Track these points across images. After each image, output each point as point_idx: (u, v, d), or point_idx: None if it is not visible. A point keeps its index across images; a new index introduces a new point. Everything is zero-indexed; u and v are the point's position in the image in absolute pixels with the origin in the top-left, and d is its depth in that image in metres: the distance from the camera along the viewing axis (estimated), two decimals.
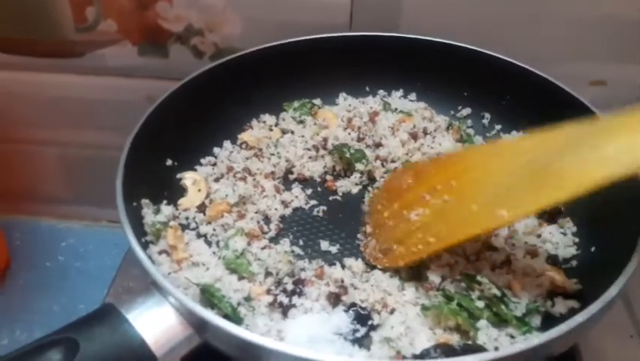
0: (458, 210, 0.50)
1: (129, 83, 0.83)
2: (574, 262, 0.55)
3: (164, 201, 0.57)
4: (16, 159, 0.93)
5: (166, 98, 0.61)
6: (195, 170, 0.64)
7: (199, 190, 0.60)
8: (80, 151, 0.91)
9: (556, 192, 0.44)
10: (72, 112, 0.87)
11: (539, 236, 0.57)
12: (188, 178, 0.61)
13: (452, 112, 0.73)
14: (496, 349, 0.45)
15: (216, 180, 0.63)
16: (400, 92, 0.74)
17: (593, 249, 0.54)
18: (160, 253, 0.51)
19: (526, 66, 0.67)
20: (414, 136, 0.67)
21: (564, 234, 0.57)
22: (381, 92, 0.75)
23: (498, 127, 0.70)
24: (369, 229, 0.58)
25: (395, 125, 0.68)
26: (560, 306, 0.49)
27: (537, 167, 0.46)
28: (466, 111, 0.72)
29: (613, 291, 0.43)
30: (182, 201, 0.59)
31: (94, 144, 0.90)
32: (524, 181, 0.46)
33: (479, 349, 0.45)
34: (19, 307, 0.85)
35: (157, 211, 0.54)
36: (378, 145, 0.67)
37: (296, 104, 0.72)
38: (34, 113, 0.87)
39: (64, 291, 0.88)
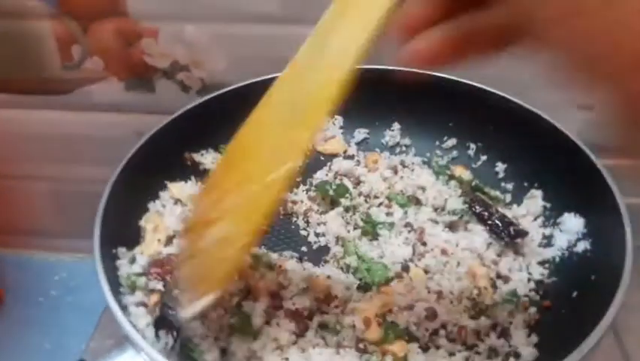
0: (244, 200, 0.44)
1: (117, 119, 0.83)
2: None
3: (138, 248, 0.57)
4: (6, 194, 0.93)
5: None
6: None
7: (158, 240, 0.57)
8: (70, 186, 0.92)
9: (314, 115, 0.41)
10: (61, 148, 0.87)
11: None
12: (149, 223, 0.59)
13: (437, 142, 0.72)
14: None
15: None
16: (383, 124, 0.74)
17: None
18: (137, 305, 0.51)
19: (507, 96, 0.66)
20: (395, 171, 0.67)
21: None
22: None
23: (484, 158, 0.70)
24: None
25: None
26: None
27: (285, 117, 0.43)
28: (452, 142, 0.72)
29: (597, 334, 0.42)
30: (140, 249, 0.56)
31: (84, 178, 0.90)
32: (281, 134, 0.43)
33: None
34: (11, 344, 0.85)
35: (132, 261, 0.54)
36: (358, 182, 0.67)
37: None
38: (23, 149, 0.88)
39: (55, 327, 0.87)
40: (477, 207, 0.61)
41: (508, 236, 0.58)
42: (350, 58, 0.39)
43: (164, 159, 0.63)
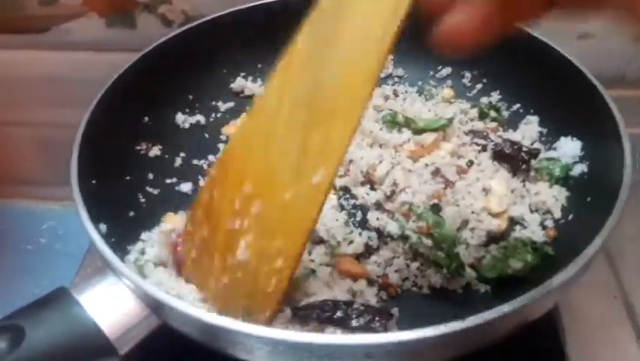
0: (275, 210, 0.39)
1: (98, 58, 0.80)
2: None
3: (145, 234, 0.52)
4: None
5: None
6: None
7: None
8: (54, 131, 0.89)
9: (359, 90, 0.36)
10: (43, 90, 0.84)
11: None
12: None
13: (432, 72, 0.70)
14: None
15: None
16: None
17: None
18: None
19: None
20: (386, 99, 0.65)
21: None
22: None
23: (479, 86, 0.68)
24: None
25: None
26: None
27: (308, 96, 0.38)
28: (446, 71, 0.70)
29: (589, 251, 0.41)
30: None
31: (67, 123, 0.87)
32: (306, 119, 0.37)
33: None
34: (1, 291, 0.84)
35: (142, 252, 0.50)
36: None
37: None
38: (2, 94, 0.85)
39: (46, 273, 0.86)
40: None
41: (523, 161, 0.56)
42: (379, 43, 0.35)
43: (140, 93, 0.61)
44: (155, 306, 0.40)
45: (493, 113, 0.63)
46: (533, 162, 0.57)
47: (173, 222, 0.52)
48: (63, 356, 0.37)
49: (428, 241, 0.49)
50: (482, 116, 0.63)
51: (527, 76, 0.63)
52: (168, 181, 0.60)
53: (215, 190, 0.43)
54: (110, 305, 0.40)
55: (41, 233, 0.91)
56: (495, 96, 0.66)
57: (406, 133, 0.60)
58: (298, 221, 0.39)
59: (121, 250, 0.47)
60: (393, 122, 0.61)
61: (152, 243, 0.50)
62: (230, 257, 0.42)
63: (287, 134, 0.39)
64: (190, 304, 0.39)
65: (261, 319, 0.42)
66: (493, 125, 0.62)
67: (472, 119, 0.63)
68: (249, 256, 0.41)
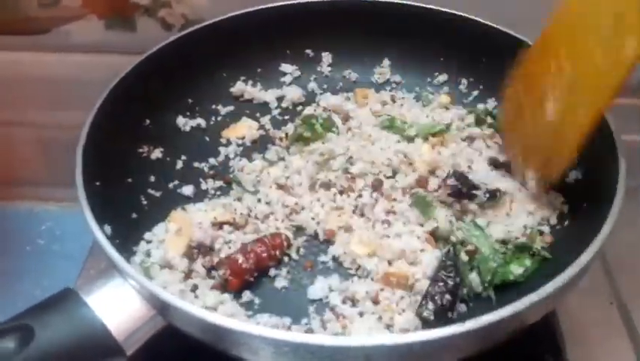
0: (586, 68, 0.47)
1: (98, 60, 0.80)
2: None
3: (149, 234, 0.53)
4: None
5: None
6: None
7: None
8: (53, 132, 0.89)
9: None
10: (42, 92, 0.84)
11: None
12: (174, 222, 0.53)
13: (429, 79, 0.71)
14: None
15: None
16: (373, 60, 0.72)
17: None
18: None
19: (500, 27, 0.65)
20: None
21: None
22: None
23: (475, 93, 0.69)
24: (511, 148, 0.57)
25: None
26: None
27: None
28: (443, 78, 0.71)
29: (584, 258, 0.42)
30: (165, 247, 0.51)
31: (66, 124, 0.87)
32: None
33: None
34: (0, 293, 0.84)
35: (148, 254, 0.50)
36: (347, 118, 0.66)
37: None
38: (0, 95, 0.85)
39: (45, 274, 0.86)
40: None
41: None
42: None
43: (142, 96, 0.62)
44: (160, 307, 0.41)
45: (489, 120, 0.64)
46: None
47: (179, 221, 0.53)
48: (71, 356, 0.38)
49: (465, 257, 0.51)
50: (479, 122, 0.64)
51: None
52: (170, 184, 0.60)
53: (533, 60, 0.54)
54: (116, 306, 0.41)
55: (40, 234, 0.91)
56: (491, 103, 0.67)
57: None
58: (605, 80, 0.45)
59: (126, 251, 0.47)
60: (391, 128, 0.63)
61: (158, 245, 0.50)
62: (541, 113, 0.51)
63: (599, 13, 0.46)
64: (193, 305, 0.39)
65: (554, 173, 0.52)
66: (490, 131, 0.64)
67: (468, 125, 0.64)
68: (557, 112, 0.49)
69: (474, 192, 0.53)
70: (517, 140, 0.57)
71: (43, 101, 0.85)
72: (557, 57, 0.49)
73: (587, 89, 0.47)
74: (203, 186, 0.60)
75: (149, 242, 0.51)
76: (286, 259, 0.53)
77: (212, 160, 0.63)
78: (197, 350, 0.41)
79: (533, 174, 0.54)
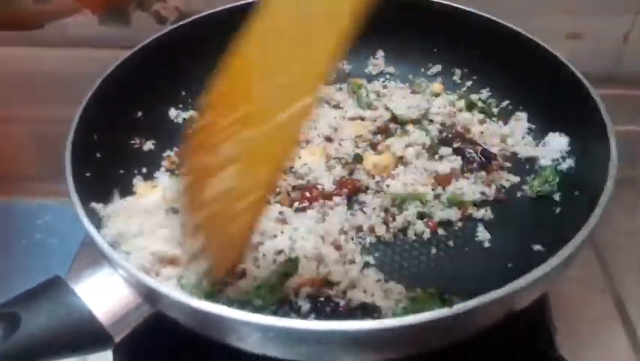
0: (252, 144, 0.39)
1: (92, 54, 0.80)
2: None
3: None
4: None
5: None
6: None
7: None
8: (49, 127, 0.89)
9: None
10: (35, 86, 0.84)
11: None
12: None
13: (422, 69, 0.71)
14: None
15: None
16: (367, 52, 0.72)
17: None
18: None
19: (497, 19, 0.64)
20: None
21: None
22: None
23: (469, 83, 0.69)
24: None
25: None
26: None
27: None
28: (437, 68, 0.70)
29: (572, 244, 0.42)
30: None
31: (61, 119, 0.88)
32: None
33: None
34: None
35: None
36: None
37: None
38: None
39: (41, 268, 0.86)
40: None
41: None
42: None
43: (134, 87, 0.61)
44: (147, 293, 0.41)
45: (480, 104, 0.65)
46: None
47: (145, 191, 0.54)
48: (59, 343, 0.38)
49: None
50: (470, 107, 0.64)
51: (517, 74, 0.64)
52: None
53: (210, 116, 0.44)
54: (103, 293, 0.41)
55: (37, 228, 0.91)
56: (485, 93, 0.68)
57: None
58: (263, 162, 0.39)
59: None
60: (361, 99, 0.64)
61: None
62: (210, 190, 0.40)
63: (275, 55, 0.39)
64: (181, 292, 0.39)
65: (220, 269, 0.42)
66: (481, 116, 0.64)
67: (460, 110, 0.64)
68: (231, 187, 0.39)
69: None
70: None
71: (38, 96, 0.86)
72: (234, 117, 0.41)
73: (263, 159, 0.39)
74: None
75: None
76: None
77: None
78: (187, 342, 0.42)
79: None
